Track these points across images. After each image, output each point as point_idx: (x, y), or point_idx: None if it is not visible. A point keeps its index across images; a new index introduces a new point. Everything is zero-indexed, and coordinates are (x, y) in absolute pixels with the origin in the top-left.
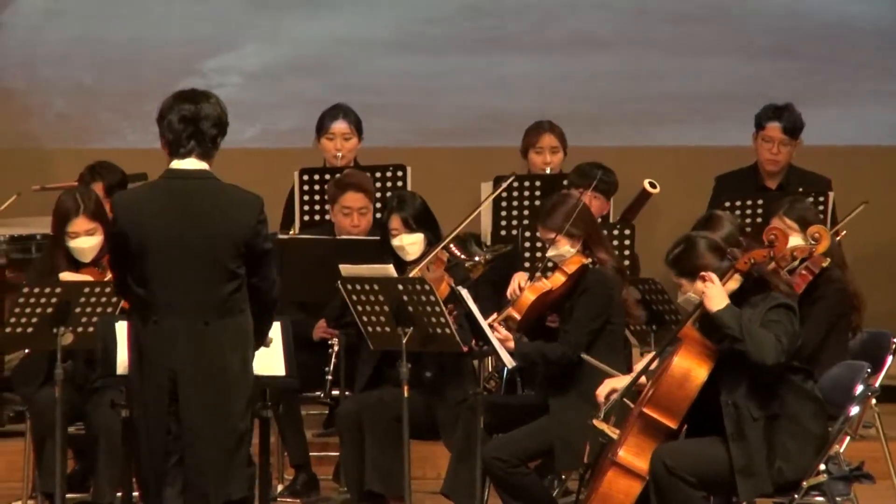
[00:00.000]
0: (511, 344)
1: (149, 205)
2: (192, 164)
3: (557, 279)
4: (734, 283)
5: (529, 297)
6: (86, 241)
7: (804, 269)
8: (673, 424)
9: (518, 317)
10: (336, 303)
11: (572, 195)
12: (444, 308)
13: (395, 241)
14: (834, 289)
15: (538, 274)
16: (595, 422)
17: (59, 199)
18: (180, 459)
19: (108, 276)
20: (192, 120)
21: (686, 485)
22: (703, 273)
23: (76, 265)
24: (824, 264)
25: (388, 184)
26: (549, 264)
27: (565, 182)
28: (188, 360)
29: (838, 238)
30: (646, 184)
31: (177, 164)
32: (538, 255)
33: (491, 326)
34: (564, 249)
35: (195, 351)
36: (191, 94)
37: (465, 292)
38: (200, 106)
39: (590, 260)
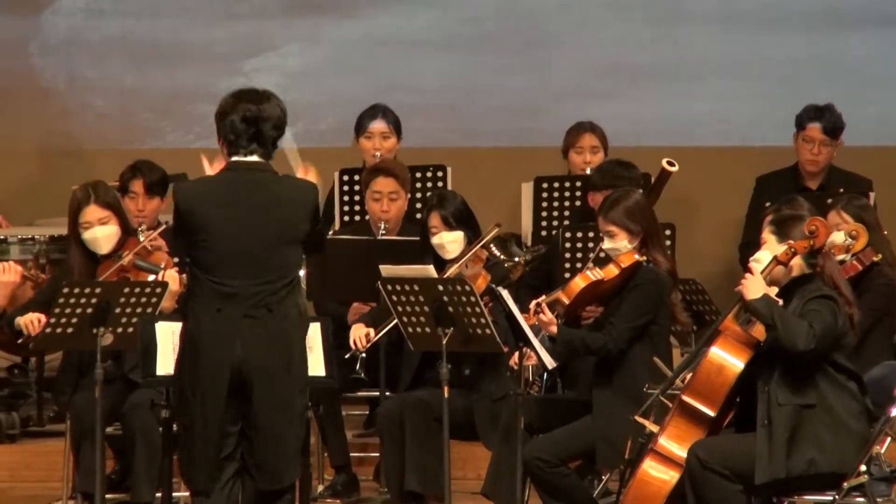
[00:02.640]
0: (554, 328)
1: (210, 194)
2: (253, 159)
3: (611, 271)
4: (778, 273)
5: (580, 283)
6: (99, 231)
7: (855, 260)
8: (712, 411)
9: (566, 301)
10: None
11: (636, 191)
12: (484, 308)
13: (435, 239)
14: (882, 283)
15: (590, 264)
16: (636, 417)
17: (71, 195)
18: (228, 456)
19: (127, 260)
20: (254, 121)
21: (721, 478)
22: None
23: (94, 260)
24: (876, 258)
25: (429, 184)
26: (602, 255)
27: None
28: (252, 347)
29: None
30: (664, 163)
31: (237, 158)
32: (579, 255)
33: (538, 305)
34: (621, 244)
35: (259, 337)
36: (253, 94)
37: (505, 293)
38: (262, 107)
39: (645, 258)
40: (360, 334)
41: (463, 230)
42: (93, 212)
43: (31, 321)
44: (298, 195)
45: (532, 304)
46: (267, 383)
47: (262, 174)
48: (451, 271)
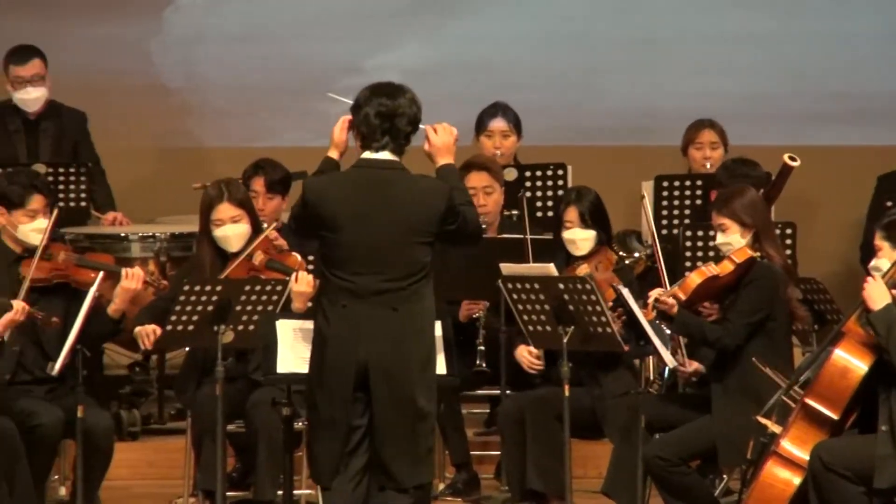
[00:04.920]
0: (675, 310)
1: (340, 190)
2: (383, 156)
3: (726, 266)
4: None
5: (696, 279)
6: (231, 229)
7: None
8: (835, 414)
9: (683, 297)
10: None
11: (749, 187)
12: (605, 307)
13: (567, 234)
14: None
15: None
16: (758, 418)
17: (204, 191)
18: (354, 449)
19: (258, 260)
20: (389, 116)
21: (844, 479)
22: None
23: (223, 258)
24: None
25: (549, 182)
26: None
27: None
28: (375, 345)
29: None
30: (786, 158)
31: (368, 154)
32: (699, 254)
33: (655, 299)
34: (734, 238)
35: (383, 336)
36: (388, 87)
37: (625, 291)
38: (398, 102)
39: (759, 254)
40: None
41: (596, 230)
42: (225, 209)
43: (147, 334)
44: (427, 195)
45: (650, 299)
46: (386, 382)
47: (392, 172)
48: (580, 270)
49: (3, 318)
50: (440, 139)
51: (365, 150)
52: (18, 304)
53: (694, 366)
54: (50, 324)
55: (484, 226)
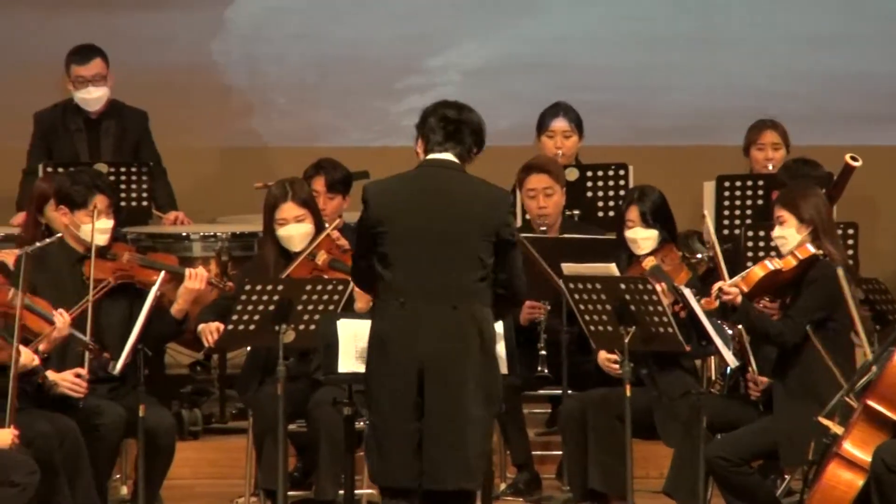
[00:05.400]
0: (738, 299)
1: (401, 190)
2: (446, 156)
3: (789, 262)
4: None
5: (759, 272)
6: (295, 229)
7: None
8: None
9: (745, 289)
10: None
11: (815, 186)
12: (666, 307)
13: (629, 233)
14: None
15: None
16: (820, 419)
17: (268, 190)
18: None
19: (322, 260)
20: (454, 122)
21: None
22: None
23: (287, 257)
24: None
25: (611, 182)
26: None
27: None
28: (434, 344)
29: None
30: (847, 158)
31: (431, 156)
32: (761, 254)
33: (720, 289)
34: (789, 232)
35: (441, 334)
36: (455, 103)
37: (687, 291)
38: (463, 114)
39: (821, 252)
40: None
41: (658, 229)
42: (289, 209)
43: (211, 331)
44: (490, 195)
45: (714, 289)
46: (440, 381)
47: (453, 172)
48: (646, 264)
49: (51, 336)
50: None
51: (428, 153)
52: (60, 320)
53: (763, 381)
54: (90, 349)
55: (544, 227)
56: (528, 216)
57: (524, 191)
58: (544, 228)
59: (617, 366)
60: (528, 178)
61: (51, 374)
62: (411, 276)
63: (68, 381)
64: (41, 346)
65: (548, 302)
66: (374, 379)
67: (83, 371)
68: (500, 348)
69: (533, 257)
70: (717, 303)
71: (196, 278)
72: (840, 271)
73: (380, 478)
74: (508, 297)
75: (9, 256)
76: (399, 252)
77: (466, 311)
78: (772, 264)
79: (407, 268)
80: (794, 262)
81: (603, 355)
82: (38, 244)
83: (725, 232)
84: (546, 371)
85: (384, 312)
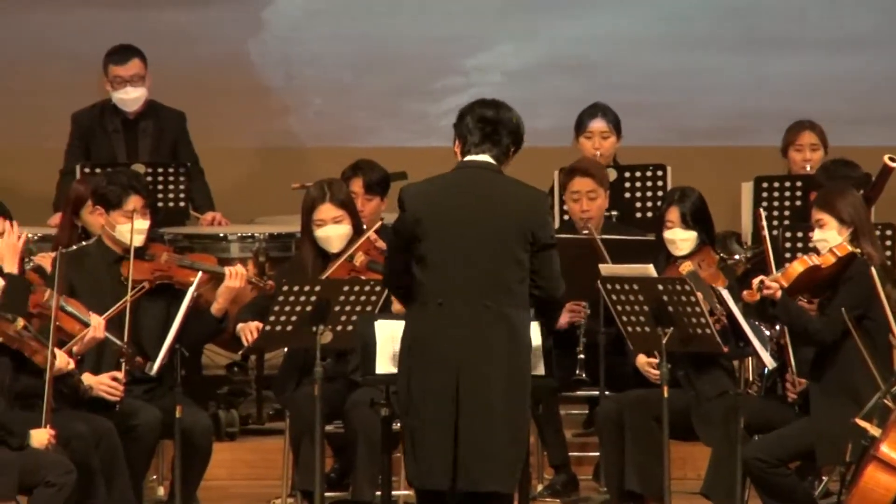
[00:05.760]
0: (778, 293)
1: (438, 190)
2: (483, 158)
3: (828, 258)
4: None
5: (798, 268)
6: (333, 230)
7: None
8: None
9: (784, 284)
10: None
11: (851, 187)
12: (704, 308)
13: (668, 234)
14: None
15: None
16: (857, 420)
17: (306, 191)
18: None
19: (360, 261)
20: (491, 122)
21: None
22: None
23: (325, 258)
24: None
25: (648, 183)
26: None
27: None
28: (469, 345)
29: None
30: (886, 159)
31: (468, 157)
32: (798, 255)
33: (761, 281)
34: (831, 235)
35: (476, 335)
36: (492, 102)
37: (725, 293)
38: (501, 114)
39: (859, 250)
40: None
41: (697, 231)
42: (327, 210)
43: (251, 331)
44: (528, 196)
45: (755, 281)
46: (475, 383)
47: (491, 173)
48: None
49: (86, 338)
50: None
51: (465, 155)
52: (96, 321)
53: (801, 383)
54: (123, 352)
55: (586, 231)
56: (565, 217)
57: (568, 193)
58: (587, 231)
59: (656, 371)
60: (572, 180)
61: (86, 378)
62: (448, 279)
63: (105, 384)
64: (75, 349)
65: (587, 304)
66: (410, 380)
67: (120, 374)
68: (536, 349)
69: (600, 256)
70: (758, 295)
71: (236, 276)
72: (874, 270)
73: (415, 480)
74: (546, 298)
75: (46, 260)
76: (436, 254)
77: (499, 312)
78: (811, 259)
79: (444, 270)
80: (832, 259)
81: (642, 359)
82: (73, 247)
83: (763, 233)
84: (584, 375)
85: (421, 314)
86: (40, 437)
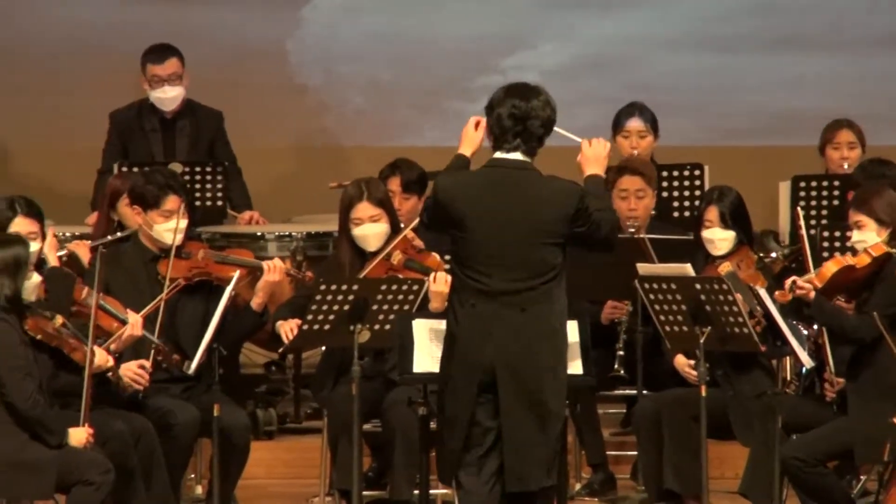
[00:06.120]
0: (812, 294)
1: (470, 188)
2: (515, 156)
3: (863, 259)
4: None
5: (832, 267)
6: (370, 228)
7: None
8: None
9: (819, 285)
10: None
11: (888, 186)
12: (742, 307)
13: (706, 234)
14: None
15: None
16: (895, 420)
17: (343, 190)
18: (488, 450)
19: (397, 260)
20: (522, 118)
21: None
22: None
23: (362, 257)
24: None
25: (686, 182)
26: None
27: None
28: (503, 346)
29: None
30: None
31: (500, 154)
32: (836, 254)
33: (794, 282)
34: (869, 236)
35: (510, 336)
36: (523, 88)
37: (762, 292)
38: (531, 104)
39: (895, 250)
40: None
41: (736, 230)
42: (364, 209)
43: (290, 328)
44: (558, 195)
45: (787, 282)
46: (514, 383)
47: (524, 172)
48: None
49: (123, 336)
50: (592, 151)
51: (497, 150)
52: (134, 318)
53: (840, 383)
54: (165, 355)
55: (632, 230)
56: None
57: (616, 191)
58: (633, 230)
59: (695, 373)
60: (622, 178)
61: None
62: (482, 278)
63: (131, 370)
64: (112, 346)
65: (630, 303)
66: (443, 377)
67: (147, 363)
68: (575, 347)
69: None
70: (790, 295)
71: (275, 270)
72: None
73: (441, 474)
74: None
75: (80, 247)
76: (469, 251)
77: (535, 313)
78: (845, 260)
79: (478, 268)
80: (867, 260)
81: (681, 360)
82: (109, 237)
83: (800, 232)
84: (622, 371)
85: (456, 314)
86: (79, 435)
